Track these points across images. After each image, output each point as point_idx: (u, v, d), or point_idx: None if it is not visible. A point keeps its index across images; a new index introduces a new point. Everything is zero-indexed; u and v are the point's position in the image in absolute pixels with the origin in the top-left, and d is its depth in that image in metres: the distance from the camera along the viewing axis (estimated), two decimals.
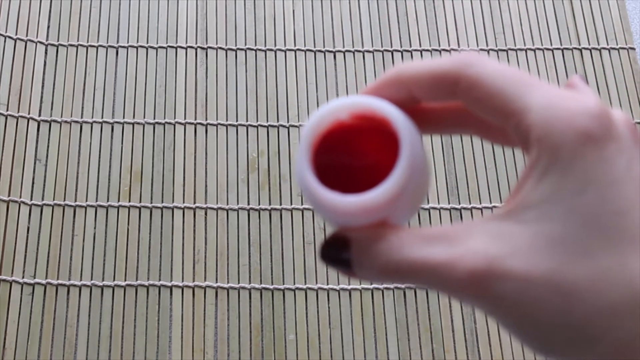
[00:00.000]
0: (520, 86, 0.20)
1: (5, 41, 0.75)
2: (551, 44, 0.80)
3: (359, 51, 0.78)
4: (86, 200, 0.69)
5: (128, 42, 0.77)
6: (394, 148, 0.21)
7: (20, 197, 0.69)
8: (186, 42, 0.77)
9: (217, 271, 0.68)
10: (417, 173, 0.21)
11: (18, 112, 0.72)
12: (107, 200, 0.70)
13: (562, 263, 0.18)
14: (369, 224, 0.21)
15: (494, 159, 0.74)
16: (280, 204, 0.70)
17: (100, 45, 0.77)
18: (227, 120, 0.74)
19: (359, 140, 0.23)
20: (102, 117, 0.73)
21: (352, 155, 0.23)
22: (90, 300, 0.66)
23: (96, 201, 0.69)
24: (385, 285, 0.68)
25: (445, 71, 0.21)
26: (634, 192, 0.18)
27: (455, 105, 0.23)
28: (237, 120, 0.74)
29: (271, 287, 0.67)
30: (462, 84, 0.21)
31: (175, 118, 0.74)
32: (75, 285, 0.66)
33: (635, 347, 0.17)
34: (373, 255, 0.20)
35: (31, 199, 0.69)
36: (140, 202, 0.70)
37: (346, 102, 0.22)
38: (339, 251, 0.21)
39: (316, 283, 0.68)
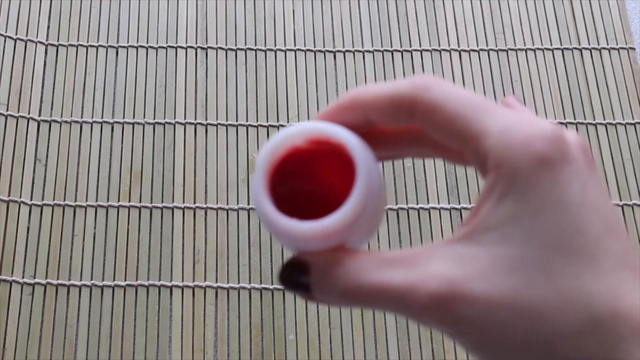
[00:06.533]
0: (478, 111, 0.20)
1: (5, 41, 0.75)
2: (551, 44, 0.80)
3: (359, 51, 0.78)
4: (86, 200, 0.69)
5: (128, 42, 0.77)
6: (351, 172, 0.21)
7: (20, 197, 0.69)
8: (186, 42, 0.77)
9: (217, 271, 0.68)
10: (373, 197, 0.21)
11: (18, 112, 0.72)
12: (107, 200, 0.70)
13: (523, 286, 0.18)
14: (327, 248, 0.21)
15: None
16: None
17: (100, 45, 0.77)
18: (227, 120, 0.74)
19: (316, 166, 0.23)
20: (102, 117, 0.73)
21: (309, 180, 0.23)
22: (90, 300, 0.66)
23: (96, 201, 0.69)
24: None
25: (401, 96, 0.21)
26: (589, 214, 0.18)
27: (411, 127, 0.23)
28: (237, 120, 0.74)
29: (271, 287, 0.67)
30: (419, 108, 0.21)
31: (175, 118, 0.74)
32: (75, 285, 0.66)
33: None
34: (332, 279, 0.20)
35: (31, 199, 0.69)
36: (140, 202, 0.70)
37: (302, 128, 0.22)
38: (298, 275, 0.21)
39: None
